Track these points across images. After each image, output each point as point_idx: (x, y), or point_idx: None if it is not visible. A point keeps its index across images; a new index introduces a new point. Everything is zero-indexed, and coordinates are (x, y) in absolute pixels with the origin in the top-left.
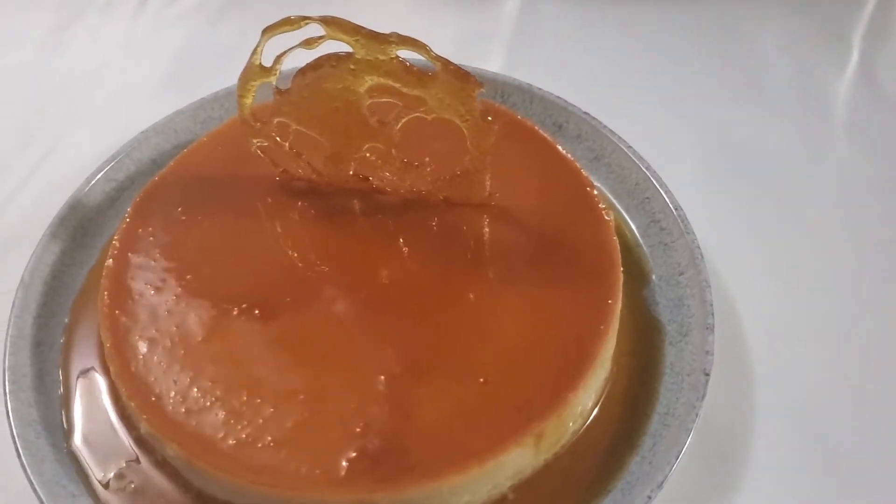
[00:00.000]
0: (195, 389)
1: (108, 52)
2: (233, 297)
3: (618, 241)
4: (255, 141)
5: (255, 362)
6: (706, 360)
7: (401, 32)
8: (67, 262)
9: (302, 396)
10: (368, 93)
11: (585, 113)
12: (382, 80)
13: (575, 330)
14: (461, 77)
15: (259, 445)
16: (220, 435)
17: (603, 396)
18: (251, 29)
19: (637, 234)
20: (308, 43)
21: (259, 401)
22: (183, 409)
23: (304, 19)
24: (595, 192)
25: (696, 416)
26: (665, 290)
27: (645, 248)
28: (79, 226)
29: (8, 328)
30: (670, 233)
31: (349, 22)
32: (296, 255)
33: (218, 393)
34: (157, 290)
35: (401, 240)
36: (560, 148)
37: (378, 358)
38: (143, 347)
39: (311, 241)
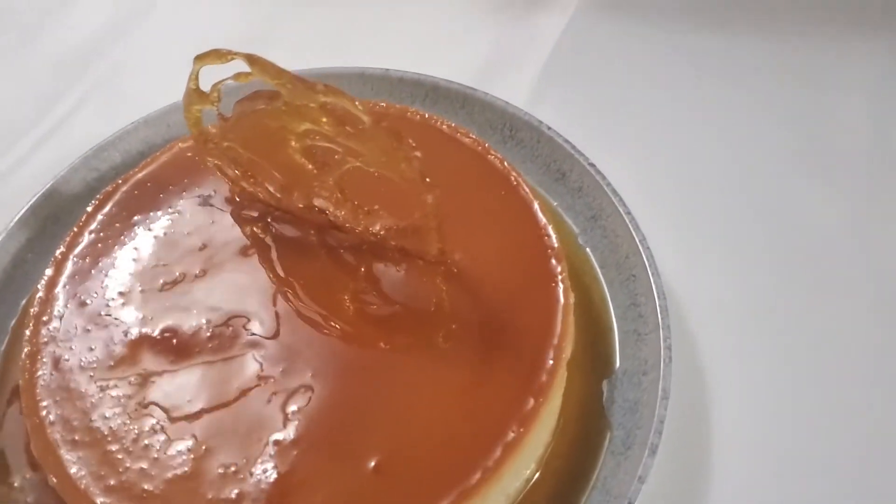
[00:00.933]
0: (88, 420)
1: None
2: (151, 325)
3: (572, 328)
4: (208, 159)
5: (156, 403)
6: (634, 488)
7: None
8: (36, 250)
9: (189, 448)
10: (307, 134)
11: (591, 164)
12: (314, 127)
13: (487, 428)
14: (394, 136)
15: (133, 492)
16: (101, 472)
17: (519, 498)
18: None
19: (613, 317)
20: (238, 77)
21: (147, 443)
22: (70, 439)
23: (231, 54)
24: (558, 267)
25: None
26: (624, 389)
27: (617, 336)
28: (51, 215)
29: None
30: (646, 322)
31: (273, 65)
32: (229, 284)
33: (109, 427)
34: (82, 304)
35: (341, 284)
36: (535, 206)
37: (275, 419)
38: (51, 364)
39: (248, 270)
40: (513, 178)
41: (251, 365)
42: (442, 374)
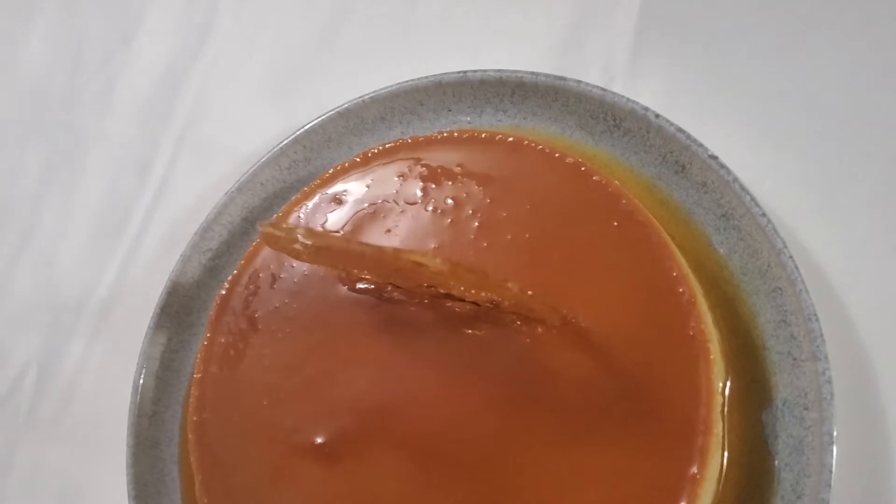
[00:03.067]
0: None
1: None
2: (297, 436)
3: (717, 386)
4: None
5: None
6: None
7: None
8: (175, 347)
9: None
10: None
11: (712, 157)
12: None
13: None
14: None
15: None
16: None
17: None
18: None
19: (764, 334)
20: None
21: None
22: None
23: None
24: (699, 319)
25: None
26: (787, 423)
27: (773, 355)
28: (181, 308)
29: (127, 437)
30: (800, 346)
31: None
32: (360, 382)
33: None
34: (234, 423)
35: (465, 367)
36: (666, 242)
37: None
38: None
39: (374, 363)
40: (625, 203)
41: (407, 468)
42: (586, 461)
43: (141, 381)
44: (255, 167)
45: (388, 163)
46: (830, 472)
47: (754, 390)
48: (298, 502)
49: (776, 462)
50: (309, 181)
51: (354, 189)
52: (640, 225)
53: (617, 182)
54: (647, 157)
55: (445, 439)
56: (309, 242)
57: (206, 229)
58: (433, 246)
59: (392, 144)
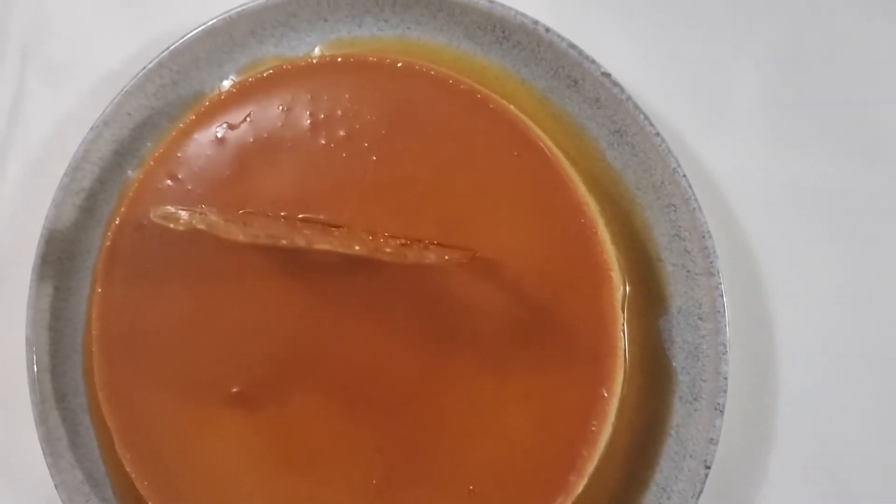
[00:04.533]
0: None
1: None
2: (213, 386)
3: (619, 311)
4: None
5: (243, 464)
6: (708, 451)
7: None
8: (63, 296)
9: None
10: None
11: (605, 74)
12: None
13: (566, 430)
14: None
15: None
16: None
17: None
18: None
19: (658, 247)
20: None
21: None
22: None
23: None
24: (601, 247)
25: None
26: (682, 330)
27: (668, 266)
28: (63, 255)
29: (31, 395)
30: (694, 261)
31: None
32: (272, 328)
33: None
34: (145, 378)
35: (380, 306)
36: (566, 171)
37: (362, 464)
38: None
39: (286, 309)
40: (523, 131)
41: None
42: (505, 387)
43: (34, 337)
44: (120, 97)
45: (269, 94)
46: (725, 379)
47: (651, 299)
48: (226, 450)
49: (674, 364)
50: (179, 105)
51: (236, 124)
52: (540, 153)
53: (513, 108)
54: (538, 71)
55: (368, 379)
56: (203, 227)
57: (75, 169)
58: (331, 185)
59: (272, 72)
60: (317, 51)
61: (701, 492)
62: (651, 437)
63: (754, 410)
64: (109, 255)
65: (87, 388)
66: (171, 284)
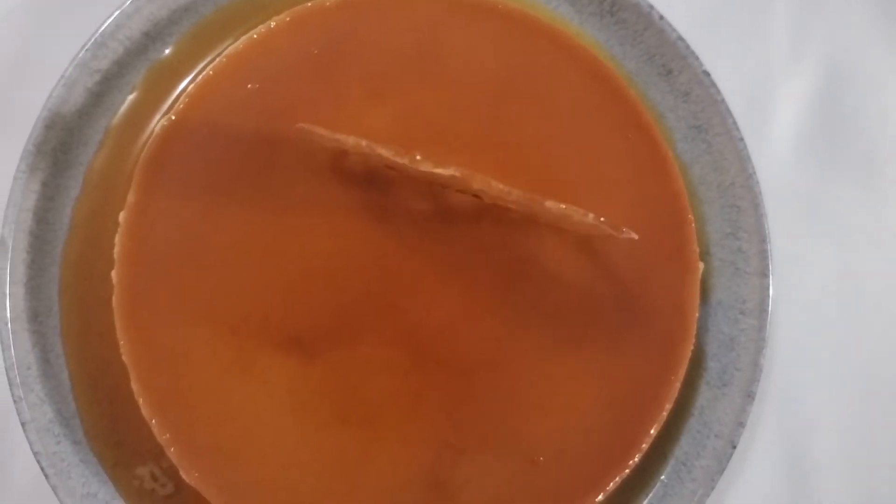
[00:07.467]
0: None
1: None
2: (265, 328)
3: (697, 301)
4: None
5: (292, 416)
6: (736, 432)
7: None
8: (50, 195)
9: (342, 465)
10: None
11: (706, 73)
12: None
13: (631, 412)
14: None
15: None
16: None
17: None
18: None
19: (708, 240)
20: None
21: (295, 467)
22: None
23: None
24: (693, 237)
25: (713, 488)
26: (719, 321)
27: (715, 261)
28: (59, 145)
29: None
30: (748, 261)
31: None
32: (344, 270)
33: (248, 449)
34: (178, 310)
35: (465, 265)
36: (672, 161)
37: (425, 425)
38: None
39: (363, 252)
40: (639, 116)
41: (393, 365)
42: (579, 364)
43: (11, 242)
44: None
45: (383, 10)
46: (761, 371)
47: None
48: (269, 400)
49: (705, 350)
50: None
51: (333, 38)
52: (651, 140)
53: (632, 91)
54: (632, 52)
55: (442, 339)
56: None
57: (99, 45)
58: (435, 131)
59: None
60: None
61: (724, 469)
62: (673, 414)
63: None
64: (153, 159)
65: (62, 308)
66: (225, 205)
